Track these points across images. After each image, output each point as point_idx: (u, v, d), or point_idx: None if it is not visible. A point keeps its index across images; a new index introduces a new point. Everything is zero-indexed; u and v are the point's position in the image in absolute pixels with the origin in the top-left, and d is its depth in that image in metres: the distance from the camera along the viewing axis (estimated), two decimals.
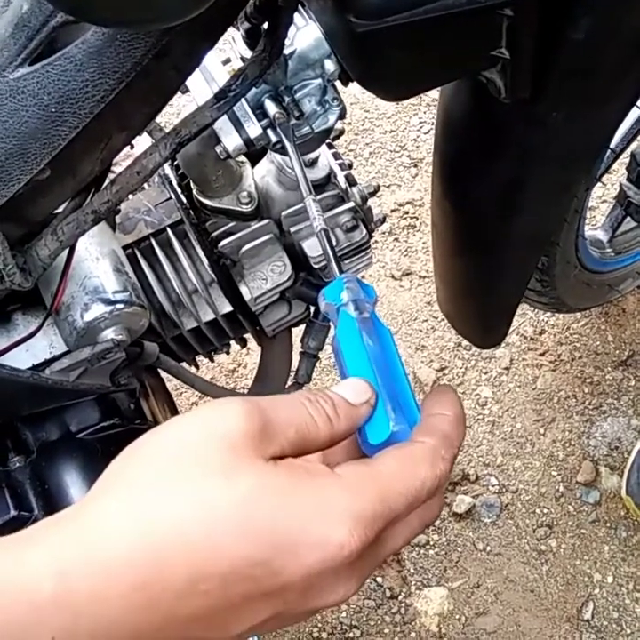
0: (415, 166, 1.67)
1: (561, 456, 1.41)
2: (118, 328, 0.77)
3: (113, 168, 0.74)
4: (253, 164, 0.91)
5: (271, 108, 0.74)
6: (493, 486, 1.39)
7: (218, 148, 0.75)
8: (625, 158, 1.18)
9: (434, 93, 1.79)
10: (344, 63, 0.68)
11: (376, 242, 1.59)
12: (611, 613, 1.30)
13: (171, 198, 0.88)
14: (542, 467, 1.40)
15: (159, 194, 0.89)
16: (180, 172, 0.89)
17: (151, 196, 0.90)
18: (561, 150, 0.75)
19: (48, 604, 0.31)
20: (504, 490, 1.39)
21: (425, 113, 1.71)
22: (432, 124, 1.68)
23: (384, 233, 1.60)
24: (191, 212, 0.88)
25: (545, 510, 1.37)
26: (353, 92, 1.73)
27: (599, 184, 1.56)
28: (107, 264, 0.78)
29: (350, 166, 0.97)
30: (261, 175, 0.90)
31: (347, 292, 0.50)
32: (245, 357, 1.49)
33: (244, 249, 0.87)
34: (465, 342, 1.47)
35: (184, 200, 0.88)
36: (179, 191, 0.88)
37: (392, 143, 1.69)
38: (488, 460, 1.41)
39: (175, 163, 0.89)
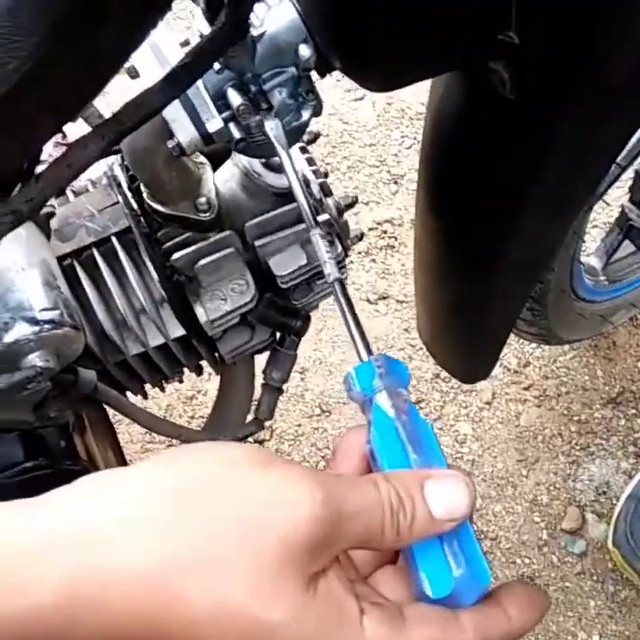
0: (395, 183, 1.56)
1: (545, 500, 1.30)
2: (45, 352, 0.65)
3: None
4: (216, 168, 0.80)
5: (235, 98, 0.62)
6: None
7: (170, 143, 0.64)
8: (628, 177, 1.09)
9: (418, 107, 1.70)
10: (321, 42, 0.57)
11: (351, 262, 1.48)
12: None
13: (118, 202, 0.77)
14: (524, 512, 1.29)
15: (105, 197, 0.78)
16: (130, 172, 0.77)
17: (96, 199, 0.78)
18: (570, 160, 0.65)
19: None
20: (482, 536, 1.27)
21: (407, 127, 1.61)
22: (415, 138, 1.58)
23: (360, 253, 1.49)
24: (142, 219, 0.76)
25: (526, 560, 1.26)
26: (331, 102, 1.63)
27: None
28: (34, 276, 0.66)
29: (326, 175, 0.86)
30: (224, 180, 0.79)
31: (379, 380, 0.41)
32: (206, 384, 1.37)
33: (201, 263, 0.75)
34: (444, 373, 1.37)
35: (134, 204, 0.76)
36: (128, 194, 0.76)
37: (372, 157, 1.59)
38: None
39: (125, 162, 0.77)
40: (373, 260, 1.49)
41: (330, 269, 0.49)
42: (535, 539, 1.28)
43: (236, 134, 0.63)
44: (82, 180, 0.82)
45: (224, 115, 0.63)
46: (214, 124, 0.63)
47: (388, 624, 0.34)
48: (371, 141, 1.60)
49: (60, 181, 0.57)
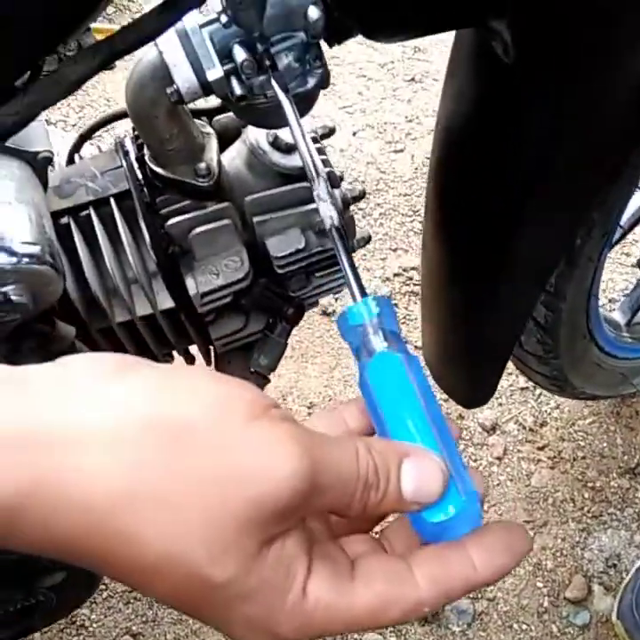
0: None
1: (549, 566, 1.22)
2: (19, 287, 0.63)
3: None
4: (224, 148, 0.80)
5: (240, 54, 0.63)
6: None
7: (169, 90, 0.64)
8: None
9: None
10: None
11: None
12: None
13: (121, 166, 0.76)
14: (527, 575, 1.21)
15: (109, 160, 0.78)
16: (139, 141, 0.77)
17: (100, 162, 0.78)
18: (577, 140, 0.63)
19: None
20: (479, 596, 1.19)
21: None
22: None
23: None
24: (143, 188, 0.76)
25: (524, 626, 1.18)
26: (370, 151, 1.64)
27: (623, 274, 1.44)
28: (21, 211, 0.65)
29: (341, 179, 0.85)
30: (231, 157, 0.78)
31: (377, 319, 0.40)
32: None
33: (195, 232, 0.74)
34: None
35: (136, 169, 0.76)
36: (133, 159, 0.76)
37: (405, 207, 1.58)
38: None
39: (136, 132, 0.78)
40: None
41: (327, 210, 0.46)
42: (536, 605, 1.19)
43: (237, 90, 0.63)
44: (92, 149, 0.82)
45: (226, 67, 0.63)
46: (214, 72, 0.62)
47: (333, 589, 0.32)
48: (405, 191, 1.60)
49: (48, 98, 0.57)
